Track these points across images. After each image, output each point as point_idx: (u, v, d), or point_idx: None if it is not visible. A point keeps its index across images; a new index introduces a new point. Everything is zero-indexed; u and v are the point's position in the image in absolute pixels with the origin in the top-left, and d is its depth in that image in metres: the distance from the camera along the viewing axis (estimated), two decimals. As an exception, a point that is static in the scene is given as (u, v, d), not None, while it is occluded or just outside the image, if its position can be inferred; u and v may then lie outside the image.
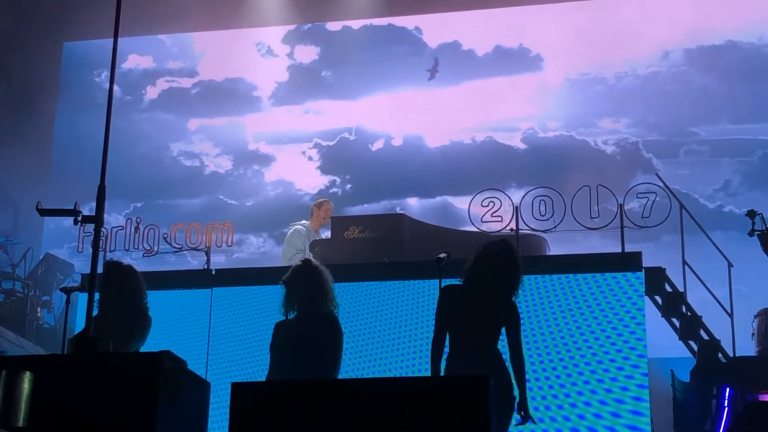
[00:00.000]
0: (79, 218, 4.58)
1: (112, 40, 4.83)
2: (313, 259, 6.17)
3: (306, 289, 5.79)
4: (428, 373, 5.75)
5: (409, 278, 8.12)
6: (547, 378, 7.53)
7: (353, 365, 7.64)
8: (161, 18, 13.47)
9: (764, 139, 11.95)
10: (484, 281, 5.60)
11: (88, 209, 4.67)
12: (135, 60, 14.08)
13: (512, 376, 5.53)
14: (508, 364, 5.58)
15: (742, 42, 12.31)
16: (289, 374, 5.58)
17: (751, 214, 7.38)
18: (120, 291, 6.05)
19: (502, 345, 5.64)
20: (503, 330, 5.63)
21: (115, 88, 13.41)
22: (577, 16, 12.66)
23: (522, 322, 5.70)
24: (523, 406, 5.48)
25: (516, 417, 5.52)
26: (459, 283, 5.70)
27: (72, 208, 4.60)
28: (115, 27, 4.81)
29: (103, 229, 7.29)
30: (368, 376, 7.52)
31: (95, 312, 5.90)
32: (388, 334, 7.99)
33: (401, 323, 8.00)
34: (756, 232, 7.32)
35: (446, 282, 5.79)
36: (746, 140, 11.99)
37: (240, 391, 3.89)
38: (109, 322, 5.74)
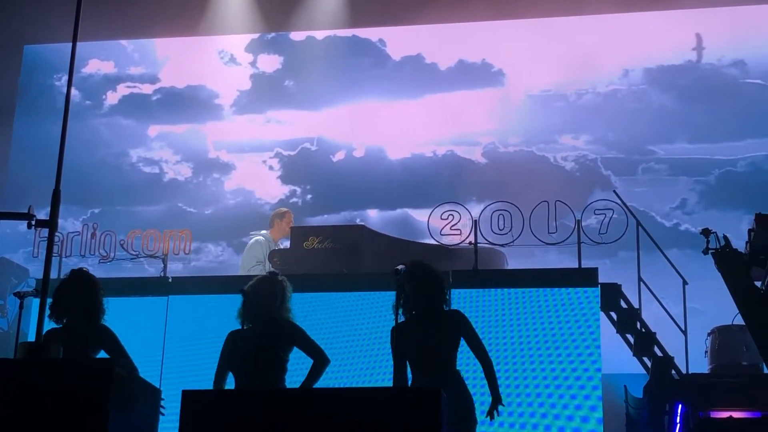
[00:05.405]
0: (33, 222, 4.55)
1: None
2: (277, 272, 6.24)
3: (268, 301, 5.81)
4: (383, 384, 5.77)
5: (367, 289, 8.12)
6: (508, 394, 7.53)
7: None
8: (123, 23, 13.38)
9: (721, 159, 12.09)
10: (421, 303, 5.73)
11: (44, 214, 4.63)
12: (96, 65, 13.97)
13: (473, 399, 5.63)
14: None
15: (702, 62, 12.45)
16: (250, 385, 5.60)
17: (706, 232, 7.43)
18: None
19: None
20: (461, 342, 5.72)
21: (75, 92, 13.40)
22: (539, 32, 12.73)
23: (481, 335, 5.78)
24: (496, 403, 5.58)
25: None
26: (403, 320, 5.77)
27: (26, 212, 4.56)
28: (74, 31, 4.78)
29: (58, 234, 7.24)
30: (322, 387, 7.48)
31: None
32: (345, 345, 7.97)
33: (358, 335, 7.99)
34: (710, 251, 7.38)
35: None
36: (703, 160, 12.12)
37: (190, 399, 3.86)
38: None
